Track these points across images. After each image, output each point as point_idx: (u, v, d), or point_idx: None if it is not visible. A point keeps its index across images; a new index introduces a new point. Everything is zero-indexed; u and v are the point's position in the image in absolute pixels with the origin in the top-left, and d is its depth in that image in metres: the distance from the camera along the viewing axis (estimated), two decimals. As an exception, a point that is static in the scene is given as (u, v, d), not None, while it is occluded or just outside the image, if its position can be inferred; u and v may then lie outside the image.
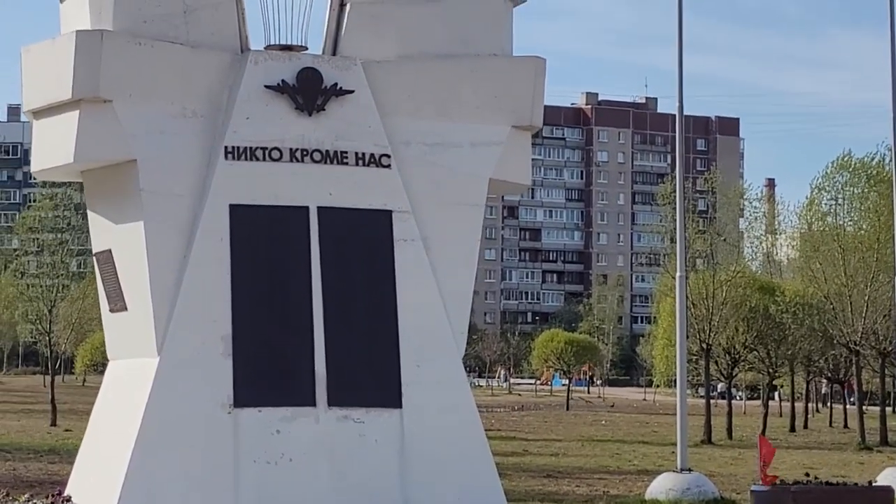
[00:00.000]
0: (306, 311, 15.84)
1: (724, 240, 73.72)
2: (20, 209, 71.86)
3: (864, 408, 55.40)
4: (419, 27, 16.64)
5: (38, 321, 68.68)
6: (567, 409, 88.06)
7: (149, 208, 15.58)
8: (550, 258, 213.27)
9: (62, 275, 63.18)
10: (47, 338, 67.11)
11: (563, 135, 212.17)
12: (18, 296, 73.11)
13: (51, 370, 66.78)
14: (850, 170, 54.05)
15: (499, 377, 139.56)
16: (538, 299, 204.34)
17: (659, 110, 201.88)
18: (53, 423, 50.54)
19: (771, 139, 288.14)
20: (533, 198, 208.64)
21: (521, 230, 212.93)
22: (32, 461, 28.70)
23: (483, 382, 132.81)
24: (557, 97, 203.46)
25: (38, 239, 64.70)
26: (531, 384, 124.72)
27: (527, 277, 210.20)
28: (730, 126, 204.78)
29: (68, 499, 12.89)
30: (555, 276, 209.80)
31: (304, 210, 16.01)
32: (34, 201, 68.26)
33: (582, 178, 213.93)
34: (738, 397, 59.47)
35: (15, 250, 76.06)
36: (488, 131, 16.62)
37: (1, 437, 41.08)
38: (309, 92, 16.11)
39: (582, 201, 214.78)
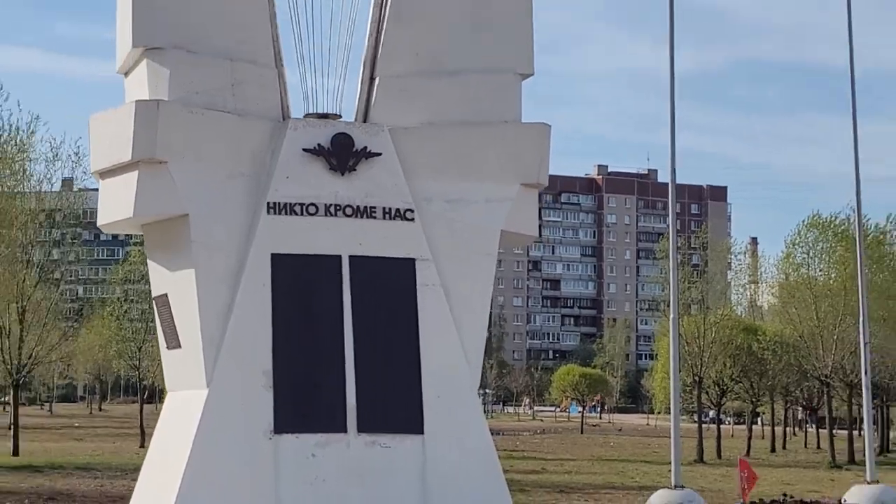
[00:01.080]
0: (338, 348, 15.42)
1: (714, 288, 75.24)
2: (122, 264, 72.49)
3: (833, 432, 55.89)
4: (439, 98, 16.28)
5: (130, 358, 69.46)
6: (581, 432, 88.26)
7: (199, 258, 15.22)
8: (568, 304, 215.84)
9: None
10: (137, 372, 67.80)
11: (579, 201, 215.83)
12: (114, 336, 73.35)
13: (140, 399, 67.20)
14: (819, 228, 55.10)
15: (524, 405, 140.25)
16: (558, 339, 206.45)
17: (659, 180, 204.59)
18: (142, 445, 50.53)
19: (754, 204, 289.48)
20: (553, 253, 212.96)
21: (544, 281, 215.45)
22: (119, 478, 28.51)
23: (511, 409, 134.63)
24: (573, 169, 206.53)
25: (131, 289, 64.97)
26: (552, 411, 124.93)
27: (548, 321, 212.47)
28: (719, 193, 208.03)
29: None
30: (572, 319, 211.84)
31: (337, 258, 15.65)
32: (131, 256, 68.73)
33: (594, 237, 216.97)
34: (726, 422, 59.81)
35: (115, 298, 76.62)
36: (500, 189, 16.22)
37: (95, 457, 40.81)
38: (342, 154, 15.74)
39: (594, 256, 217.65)
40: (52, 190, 51.40)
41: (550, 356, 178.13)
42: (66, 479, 35.74)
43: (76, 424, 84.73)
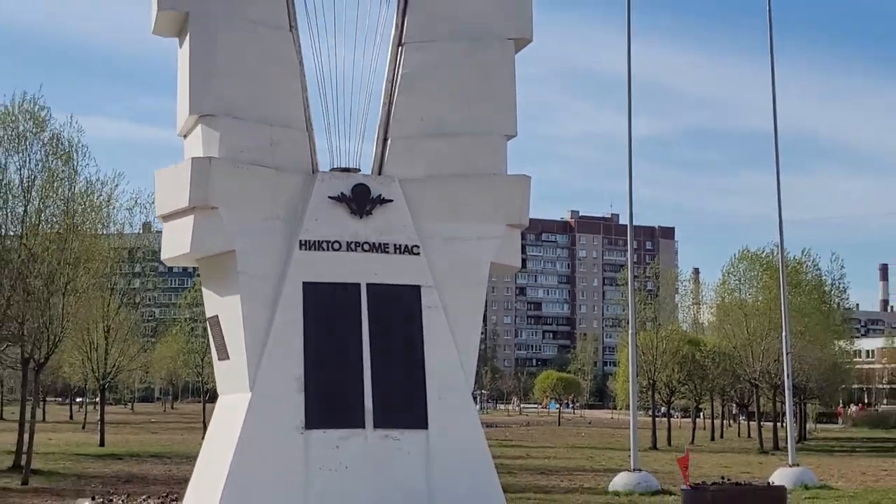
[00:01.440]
0: (358, 359, 15.20)
1: (664, 308, 75.48)
2: (189, 291, 73.15)
3: (761, 424, 56.34)
4: (440, 155, 16.09)
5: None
6: (559, 424, 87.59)
7: (244, 286, 15.01)
8: (548, 322, 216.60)
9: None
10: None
11: (555, 239, 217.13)
12: (182, 349, 74.24)
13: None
14: (749, 260, 55.91)
15: (513, 403, 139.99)
16: (539, 350, 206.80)
17: (620, 222, 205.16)
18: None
19: (697, 241, 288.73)
20: (535, 281, 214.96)
21: (528, 303, 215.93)
22: (184, 464, 28.08)
23: (502, 406, 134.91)
24: (551, 213, 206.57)
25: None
26: (535, 408, 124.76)
27: (532, 335, 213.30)
28: (668, 233, 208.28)
29: (175, 498, 12.19)
30: (550, 334, 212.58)
31: (357, 286, 15.43)
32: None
33: (568, 268, 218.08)
34: (674, 416, 59.35)
35: (183, 319, 77.34)
36: (489, 229, 15.97)
37: (166, 447, 40.54)
38: (361, 201, 15.51)
39: (569, 284, 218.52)
40: (133, 232, 51.79)
41: (534, 363, 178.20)
42: (141, 465, 35.39)
43: (152, 420, 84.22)
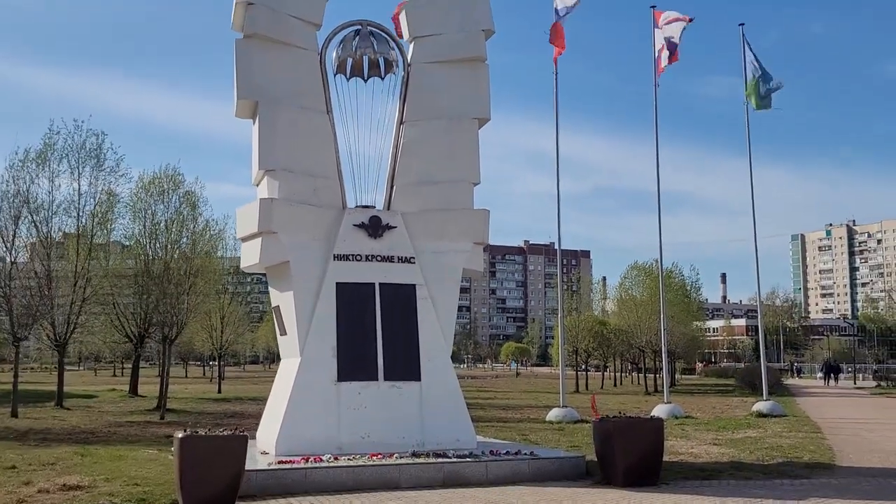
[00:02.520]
0: (373, 335, 14.49)
1: (583, 302, 75.31)
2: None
3: (646, 376, 55.41)
4: (428, 196, 15.40)
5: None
6: (517, 376, 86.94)
7: (295, 285, 14.30)
8: (509, 311, 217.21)
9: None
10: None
11: (514, 258, 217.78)
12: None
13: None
14: (638, 269, 55.08)
15: (486, 363, 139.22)
16: (504, 329, 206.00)
17: (554, 247, 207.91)
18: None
19: (605, 259, 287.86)
20: (502, 286, 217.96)
21: (497, 299, 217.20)
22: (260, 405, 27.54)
23: (480, 365, 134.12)
24: (511, 241, 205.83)
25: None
26: (501, 366, 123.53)
27: (499, 320, 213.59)
28: (585, 254, 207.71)
29: (242, 432, 11.23)
30: (511, 319, 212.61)
31: (372, 284, 14.68)
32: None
33: (522, 277, 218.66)
34: (590, 371, 59.02)
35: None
36: (462, 245, 15.32)
37: (260, 393, 39.57)
38: (375, 227, 14.75)
39: (523, 287, 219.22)
40: (238, 255, 52.33)
41: (500, 338, 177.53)
42: (242, 405, 34.52)
43: (255, 376, 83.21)
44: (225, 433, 11.04)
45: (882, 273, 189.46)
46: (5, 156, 57.30)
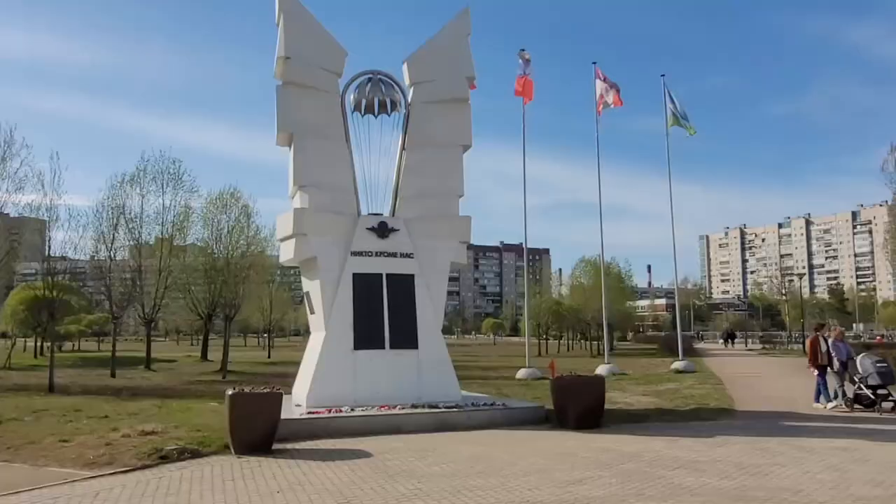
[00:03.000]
0: (381, 313, 13.87)
1: (544, 288, 74.65)
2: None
3: (592, 343, 53.65)
4: (424, 205, 14.79)
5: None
6: (494, 344, 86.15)
7: (321, 275, 13.74)
8: (489, 295, 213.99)
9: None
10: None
11: (493, 255, 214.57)
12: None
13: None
14: (585, 263, 53.34)
15: (472, 335, 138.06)
16: (485, 308, 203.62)
17: (523, 247, 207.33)
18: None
19: (562, 256, 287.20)
20: (484, 276, 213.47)
21: (480, 286, 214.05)
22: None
23: (468, 336, 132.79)
24: (490, 241, 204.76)
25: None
26: (484, 336, 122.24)
27: (482, 301, 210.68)
28: (546, 251, 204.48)
29: (278, 390, 10.76)
30: (491, 300, 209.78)
31: (381, 275, 14.07)
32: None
33: (499, 269, 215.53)
34: (550, 339, 58.34)
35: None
36: (450, 243, 14.75)
37: (294, 358, 39.16)
38: (383, 230, 14.16)
39: (499, 277, 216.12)
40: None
41: (482, 315, 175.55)
42: (286, 367, 33.50)
43: (297, 345, 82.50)
44: (265, 391, 10.58)
45: (766, 264, 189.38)
46: (106, 178, 56.67)
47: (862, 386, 13.81)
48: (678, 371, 27.02)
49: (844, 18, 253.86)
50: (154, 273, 32.06)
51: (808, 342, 15.73)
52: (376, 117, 15.33)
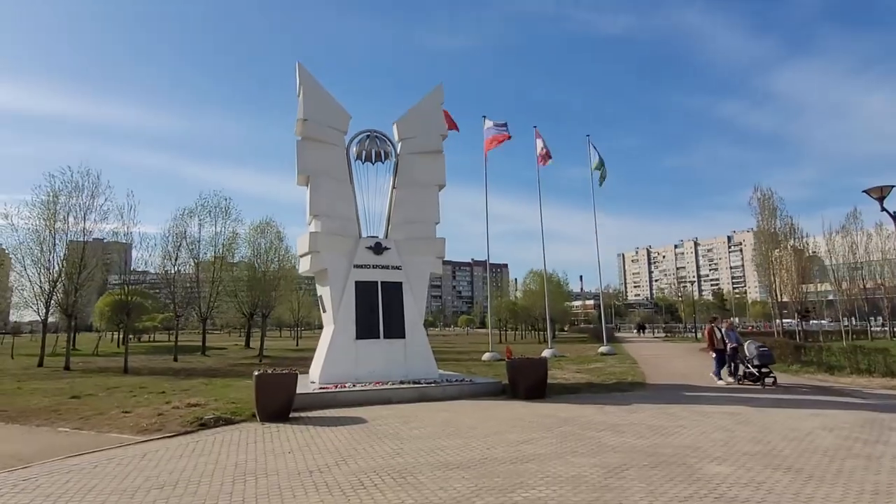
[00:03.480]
0: (377, 311, 13.29)
1: (504, 293, 73.85)
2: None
3: (539, 333, 52.87)
4: (409, 230, 14.30)
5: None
6: (467, 335, 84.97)
7: (331, 283, 13.16)
8: (464, 299, 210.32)
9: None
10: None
11: (466, 270, 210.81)
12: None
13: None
14: (534, 274, 52.39)
15: (451, 327, 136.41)
16: (461, 308, 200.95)
17: (491, 261, 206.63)
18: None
19: (518, 267, 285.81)
20: (460, 284, 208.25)
21: (457, 291, 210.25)
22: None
23: (448, 329, 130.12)
24: (464, 258, 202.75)
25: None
26: (461, 329, 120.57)
27: (458, 304, 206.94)
28: (505, 265, 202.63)
29: (294, 372, 10.21)
30: (465, 302, 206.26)
31: (376, 282, 13.50)
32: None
33: (471, 279, 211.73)
34: (509, 330, 57.63)
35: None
36: (429, 258, 14.20)
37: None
38: (378, 248, 13.65)
39: (471, 285, 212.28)
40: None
41: (458, 313, 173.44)
42: (311, 353, 32.94)
43: (319, 336, 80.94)
44: (283, 372, 10.06)
45: (666, 274, 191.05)
46: (171, 211, 55.11)
47: (749, 366, 13.35)
48: (603, 354, 26.61)
49: (717, 97, 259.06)
50: (209, 283, 31.19)
51: (705, 331, 15.08)
52: (374, 164, 14.97)
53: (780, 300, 29.48)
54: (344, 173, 14.29)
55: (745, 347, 13.54)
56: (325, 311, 13.96)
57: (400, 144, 15.07)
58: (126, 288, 21.57)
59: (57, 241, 22.65)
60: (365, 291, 13.51)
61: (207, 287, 31.00)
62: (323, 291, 13.88)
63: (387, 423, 9.01)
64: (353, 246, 13.77)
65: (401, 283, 13.84)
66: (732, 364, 14.01)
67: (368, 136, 14.92)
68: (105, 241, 27.63)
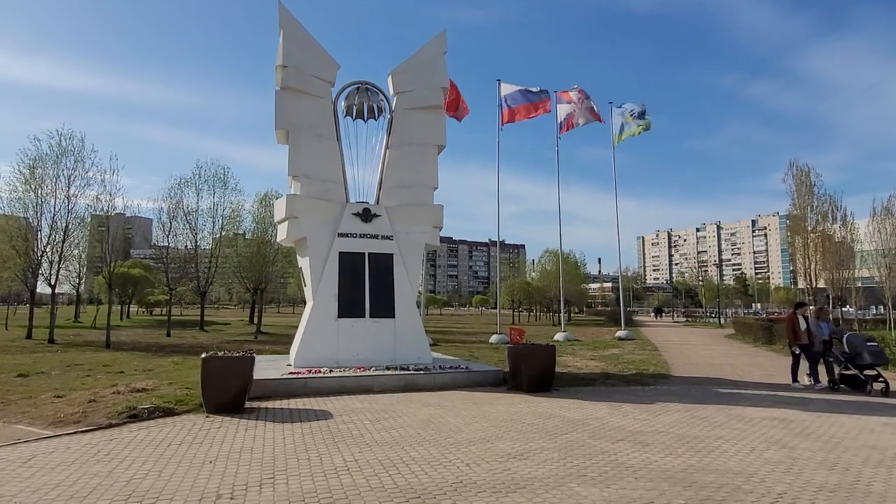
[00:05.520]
0: (362, 287, 11.63)
1: (520, 273, 71.81)
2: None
3: (553, 315, 51.25)
4: (402, 195, 12.52)
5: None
6: (480, 314, 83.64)
7: (311, 254, 11.48)
8: (480, 279, 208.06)
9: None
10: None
11: (483, 249, 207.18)
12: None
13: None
14: (549, 253, 50.58)
15: (466, 307, 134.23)
16: (476, 288, 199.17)
17: (507, 243, 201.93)
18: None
19: (533, 248, 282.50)
20: (476, 265, 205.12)
21: (473, 272, 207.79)
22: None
23: (462, 309, 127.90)
24: (481, 239, 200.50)
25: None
26: (475, 308, 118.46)
27: (474, 284, 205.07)
28: (522, 246, 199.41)
29: (251, 354, 8.58)
30: (480, 282, 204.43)
31: (363, 254, 11.79)
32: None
33: (487, 259, 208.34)
34: (522, 312, 55.53)
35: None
36: (424, 228, 12.46)
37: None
38: (367, 215, 11.93)
39: (487, 265, 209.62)
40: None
41: (474, 293, 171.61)
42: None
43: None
44: (236, 355, 8.41)
45: (686, 258, 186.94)
46: (167, 180, 53.44)
47: (850, 366, 10.18)
48: (621, 339, 24.71)
49: (746, 76, 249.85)
50: (208, 257, 29.81)
51: (786, 319, 11.56)
52: (365, 122, 13.15)
53: (814, 286, 27.13)
54: (330, 130, 12.49)
55: (845, 342, 10.39)
56: (304, 285, 12.32)
57: (395, 98, 13.20)
58: (108, 258, 20.18)
59: (44, 211, 21.43)
60: (350, 264, 11.80)
61: (207, 261, 29.67)
62: (303, 263, 12.18)
63: (354, 421, 7.36)
64: (338, 212, 12.03)
65: (391, 256, 12.10)
66: (823, 363, 10.84)
67: (359, 88, 13.07)
68: (126, 215, 26.58)
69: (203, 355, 8.24)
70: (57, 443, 6.23)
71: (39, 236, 21.47)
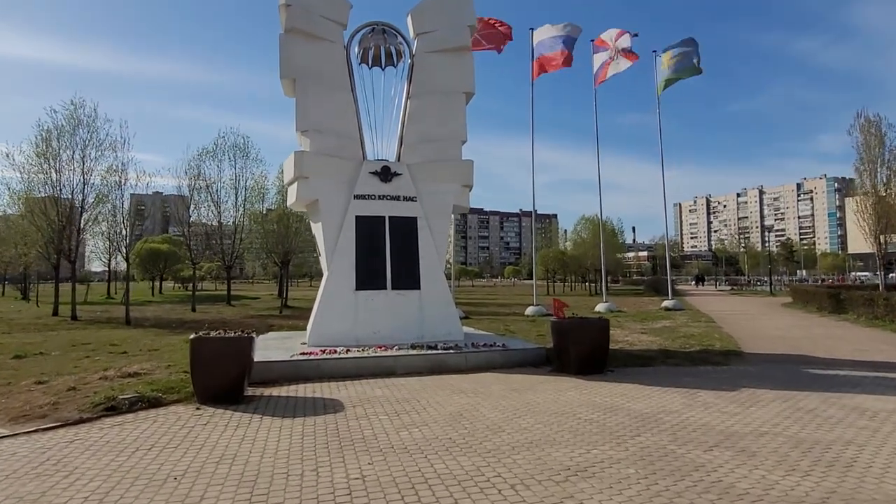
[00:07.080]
0: (383, 254, 10.26)
1: (553, 243, 69.84)
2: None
3: (591, 284, 49.54)
4: (427, 150, 11.01)
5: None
6: (513, 286, 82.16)
7: (325, 218, 10.11)
8: (511, 250, 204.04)
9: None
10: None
11: (515, 219, 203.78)
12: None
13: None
14: (585, 220, 48.55)
15: (498, 279, 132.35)
16: (509, 259, 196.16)
17: (539, 213, 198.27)
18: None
19: (566, 217, 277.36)
20: (508, 235, 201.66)
21: (505, 242, 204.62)
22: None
23: (494, 280, 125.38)
24: (513, 209, 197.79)
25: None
26: (509, 279, 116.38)
27: (507, 254, 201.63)
28: (555, 216, 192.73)
29: (250, 333, 7.32)
30: (512, 253, 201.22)
31: (383, 217, 10.40)
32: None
33: (519, 230, 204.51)
34: (557, 282, 53.78)
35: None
36: (452, 187, 10.92)
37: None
38: (386, 174, 10.49)
39: (519, 235, 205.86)
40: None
41: (506, 264, 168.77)
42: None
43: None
44: (232, 335, 7.17)
45: (726, 224, 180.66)
46: (188, 152, 53.05)
47: None
48: (668, 309, 22.88)
49: (791, 33, 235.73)
50: (232, 231, 28.96)
51: None
52: (383, 69, 11.56)
53: (884, 251, 24.53)
54: (342, 78, 10.96)
55: None
56: (320, 254, 11.00)
57: (416, 41, 11.55)
58: (124, 231, 19.39)
59: (64, 183, 20.72)
60: (368, 229, 10.40)
61: (231, 235, 28.85)
62: (316, 229, 10.86)
63: (369, 415, 6.01)
64: (354, 171, 10.59)
65: (415, 219, 10.66)
66: None
67: (374, 29, 11.45)
68: (163, 194, 26.18)
69: (192, 336, 7.01)
70: (6, 445, 5.07)
71: (58, 211, 20.81)
